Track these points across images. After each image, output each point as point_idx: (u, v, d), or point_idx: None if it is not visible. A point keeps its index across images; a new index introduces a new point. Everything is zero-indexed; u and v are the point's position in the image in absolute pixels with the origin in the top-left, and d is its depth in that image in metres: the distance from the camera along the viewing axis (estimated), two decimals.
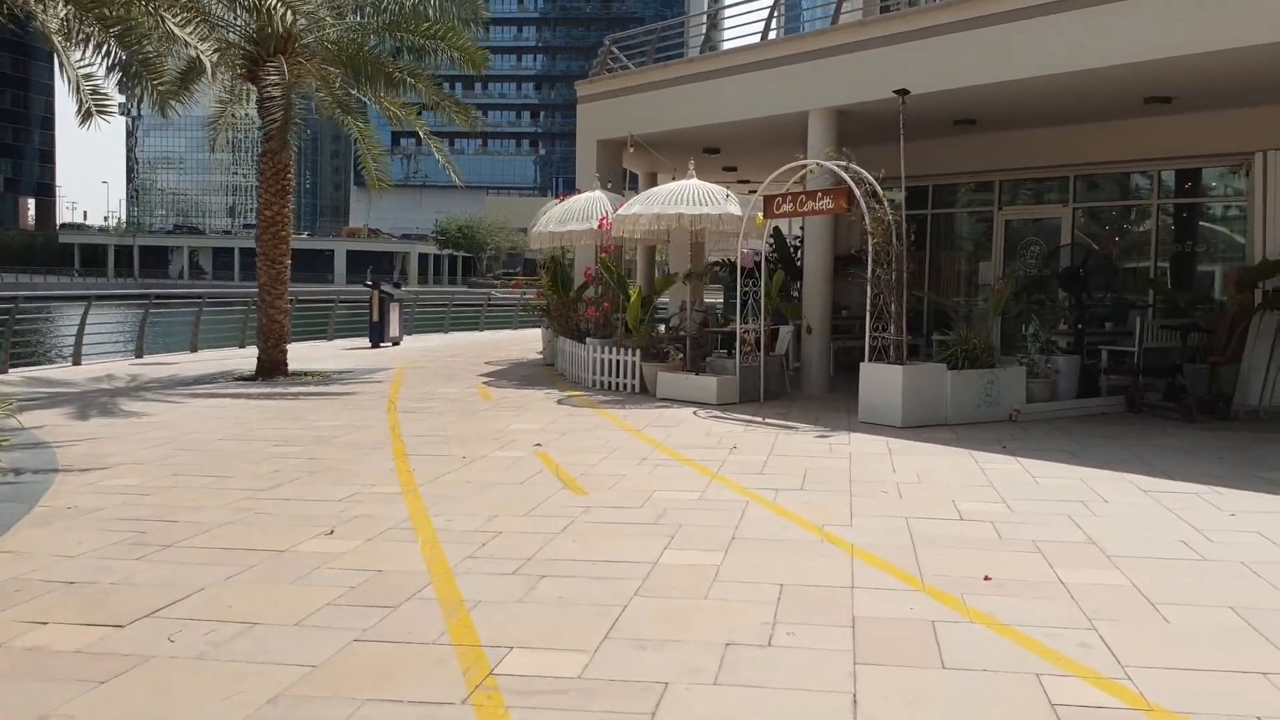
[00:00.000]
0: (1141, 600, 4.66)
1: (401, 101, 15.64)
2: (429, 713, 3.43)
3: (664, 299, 15.99)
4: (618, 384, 13.00)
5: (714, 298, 21.06)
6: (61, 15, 9.76)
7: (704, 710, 3.46)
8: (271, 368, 14.37)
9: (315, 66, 14.20)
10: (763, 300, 12.14)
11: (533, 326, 23.58)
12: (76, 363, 15.92)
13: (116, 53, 10.72)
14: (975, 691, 3.62)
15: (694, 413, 11.14)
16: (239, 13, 14.39)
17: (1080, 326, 12.37)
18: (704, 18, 20.22)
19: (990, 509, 6.54)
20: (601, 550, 5.46)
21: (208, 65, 12.02)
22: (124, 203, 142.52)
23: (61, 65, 10.25)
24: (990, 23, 11.19)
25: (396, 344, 20.82)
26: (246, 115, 16.39)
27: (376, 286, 20.81)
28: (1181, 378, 11.37)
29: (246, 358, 15.76)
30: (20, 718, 3.35)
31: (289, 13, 13.51)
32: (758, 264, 12.35)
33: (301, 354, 17.50)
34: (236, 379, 14.08)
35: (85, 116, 10.48)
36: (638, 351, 12.85)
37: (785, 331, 13.23)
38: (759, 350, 12.09)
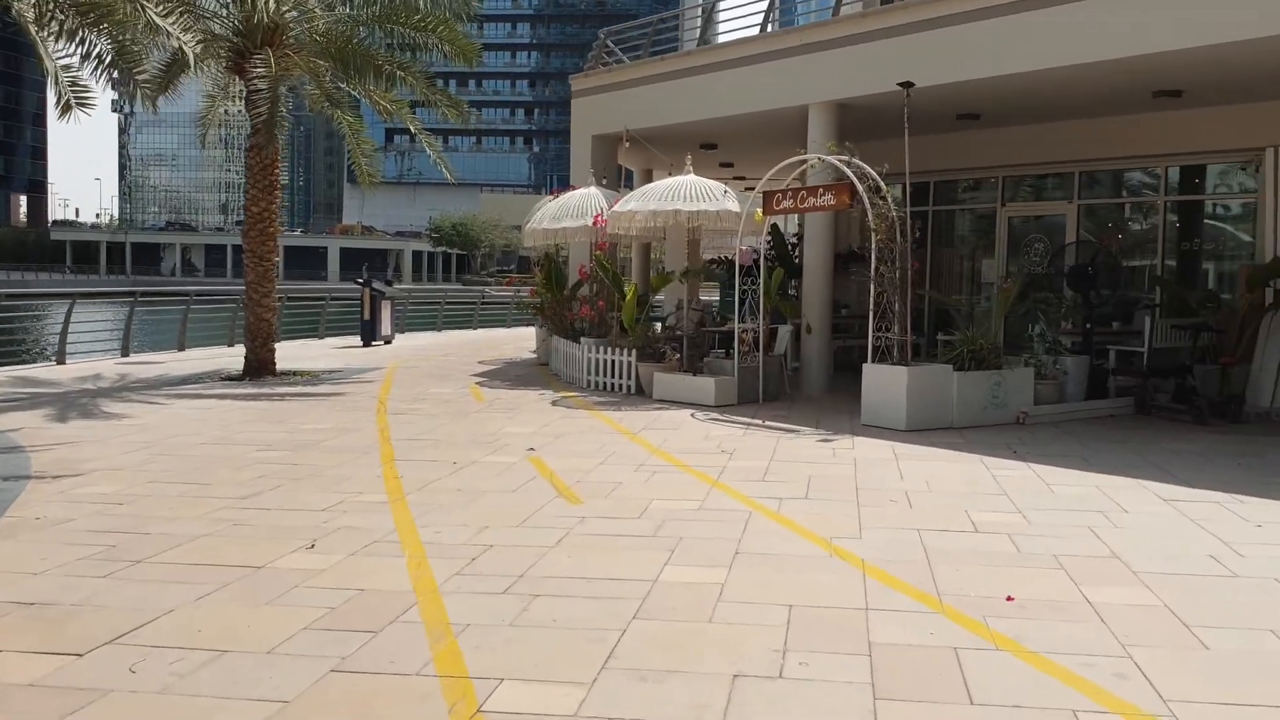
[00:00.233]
0: (1175, 622, 4.37)
1: (392, 96, 15.30)
2: None
3: (660, 298, 15.71)
4: (613, 384, 12.68)
5: (711, 296, 20.76)
6: (36, 3, 9.41)
7: None
8: (259, 367, 14.04)
9: (303, 59, 13.87)
10: (761, 299, 11.85)
11: (526, 325, 23.28)
12: (60, 362, 15.58)
13: (93, 42, 10.36)
14: None
15: (692, 415, 10.84)
16: (224, 3, 14.05)
17: (1089, 326, 12.08)
18: (699, 11, 19.90)
19: (1005, 519, 6.24)
20: (598, 566, 5.15)
21: (191, 57, 11.68)
22: (116, 199, 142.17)
23: (40, 56, 9.95)
24: (996, 14, 10.90)
25: (388, 342, 20.52)
26: (238, 111, 16.06)
27: (368, 284, 20.53)
28: (1191, 379, 11.10)
29: (235, 357, 15.42)
30: None
31: (275, 3, 13.17)
32: (756, 262, 12.06)
33: (291, 353, 17.19)
34: (223, 379, 13.75)
35: (65, 109, 10.17)
36: (634, 351, 12.52)
37: (784, 331, 12.89)
38: (757, 350, 11.79)
